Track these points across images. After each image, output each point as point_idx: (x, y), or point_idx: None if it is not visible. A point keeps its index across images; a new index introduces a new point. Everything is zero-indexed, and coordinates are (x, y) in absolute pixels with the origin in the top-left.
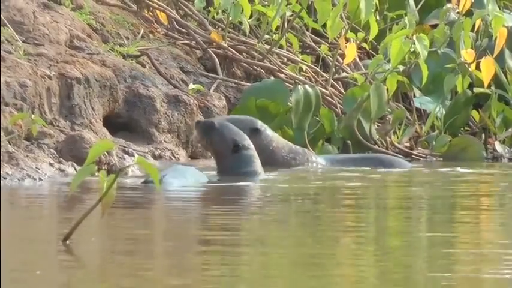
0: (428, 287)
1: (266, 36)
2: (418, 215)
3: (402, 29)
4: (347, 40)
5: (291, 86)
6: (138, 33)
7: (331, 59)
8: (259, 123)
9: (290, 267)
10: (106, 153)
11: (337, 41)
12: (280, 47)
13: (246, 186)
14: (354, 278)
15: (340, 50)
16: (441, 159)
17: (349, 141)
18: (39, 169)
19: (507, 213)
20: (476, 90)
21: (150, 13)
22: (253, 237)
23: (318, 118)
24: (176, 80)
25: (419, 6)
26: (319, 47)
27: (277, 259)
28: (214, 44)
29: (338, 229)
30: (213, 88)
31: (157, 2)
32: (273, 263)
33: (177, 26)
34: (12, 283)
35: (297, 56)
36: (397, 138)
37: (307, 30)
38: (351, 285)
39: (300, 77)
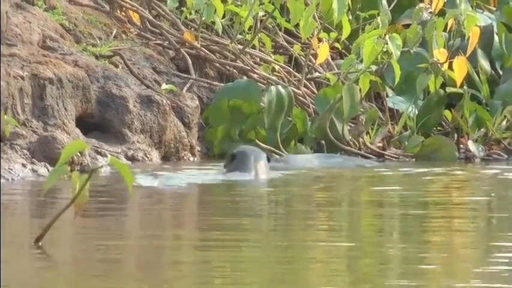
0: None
1: (239, 36)
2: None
3: (375, 28)
4: (320, 40)
5: (264, 86)
6: (111, 33)
7: (303, 59)
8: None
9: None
10: (79, 154)
11: (309, 41)
12: (253, 47)
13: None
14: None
15: (313, 50)
16: (413, 159)
17: (323, 141)
18: (11, 170)
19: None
20: (448, 89)
21: (123, 13)
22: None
23: (290, 118)
24: (149, 80)
25: (392, 6)
26: (292, 47)
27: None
28: (187, 44)
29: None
30: (185, 88)
31: (130, 2)
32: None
33: (149, 26)
34: None
35: (270, 56)
36: (370, 138)
37: (280, 30)
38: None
39: (273, 77)
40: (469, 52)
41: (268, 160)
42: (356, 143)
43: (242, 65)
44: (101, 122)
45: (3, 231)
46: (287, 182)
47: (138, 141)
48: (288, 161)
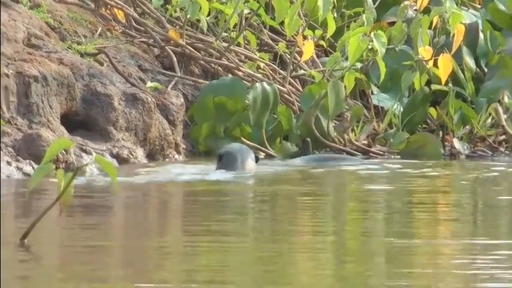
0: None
1: (224, 34)
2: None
3: (360, 26)
4: (305, 38)
5: (249, 83)
6: (96, 31)
7: (288, 56)
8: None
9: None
10: (64, 152)
11: (294, 38)
12: (238, 44)
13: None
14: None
15: (298, 47)
16: (399, 156)
17: (308, 139)
18: None
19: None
20: (433, 87)
21: (108, 11)
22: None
23: (275, 115)
24: (134, 78)
25: (377, 3)
26: (277, 45)
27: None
28: (172, 42)
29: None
30: (170, 86)
31: (115, 0)
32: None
33: (134, 24)
34: None
35: (255, 53)
36: (355, 135)
37: (265, 27)
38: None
39: (258, 75)
40: (454, 50)
41: (257, 159)
42: (341, 139)
43: (227, 62)
44: (86, 120)
45: None
46: (273, 180)
47: (123, 139)
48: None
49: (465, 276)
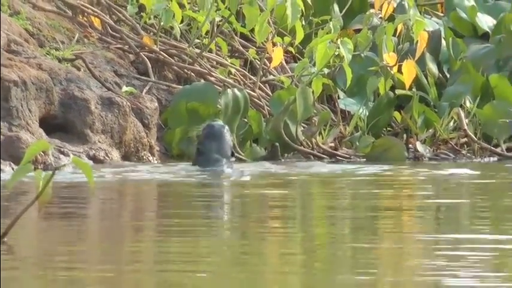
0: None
1: (196, 40)
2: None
3: (327, 33)
4: (274, 44)
5: (221, 88)
6: (73, 37)
7: (258, 62)
8: None
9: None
10: (42, 153)
11: (264, 45)
12: (210, 51)
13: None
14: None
15: (268, 53)
16: (364, 159)
17: (277, 144)
18: None
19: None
20: (398, 92)
21: (85, 18)
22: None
23: (246, 120)
24: (110, 83)
25: (343, 11)
26: (248, 51)
27: None
28: (147, 48)
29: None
30: (145, 90)
31: (92, 7)
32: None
33: (110, 31)
34: None
35: (226, 59)
36: (322, 139)
37: (236, 34)
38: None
39: (229, 80)
40: (417, 56)
41: (232, 154)
42: (309, 143)
43: (199, 68)
44: (63, 123)
45: None
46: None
47: (99, 141)
48: None
49: (428, 270)
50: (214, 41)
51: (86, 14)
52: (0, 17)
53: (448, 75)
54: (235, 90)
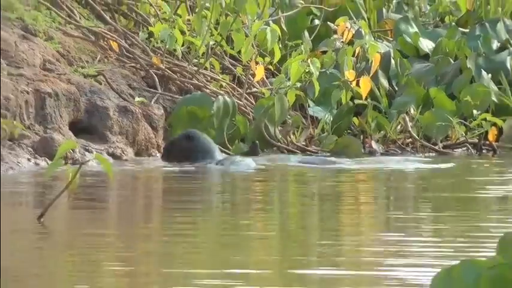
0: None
1: (194, 60)
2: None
3: (299, 54)
4: (257, 63)
5: (214, 98)
6: (96, 58)
7: (244, 77)
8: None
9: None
10: (71, 151)
11: (249, 63)
12: (206, 68)
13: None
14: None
15: (252, 70)
16: (329, 154)
17: (257, 141)
18: (19, 163)
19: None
20: (356, 101)
21: (105, 42)
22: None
23: (234, 122)
24: (125, 94)
25: (312, 37)
26: (236, 68)
27: None
28: (155, 66)
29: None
30: (153, 100)
31: (110, 34)
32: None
33: (125, 53)
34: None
35: (218, 75)
36: (296, 138)
37: (226, 55)
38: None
39: (221, 92)
40: (372, 73)
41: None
42: (285, 141)
43: (197, 82)
44: (88, 126)
45: (14, 210)
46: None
47: (116, 141)
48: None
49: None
50: (209, 61)
51: (106, 39)
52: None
53: (396, 88)
54: (226, 97)
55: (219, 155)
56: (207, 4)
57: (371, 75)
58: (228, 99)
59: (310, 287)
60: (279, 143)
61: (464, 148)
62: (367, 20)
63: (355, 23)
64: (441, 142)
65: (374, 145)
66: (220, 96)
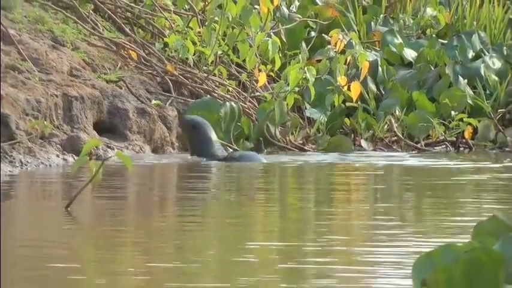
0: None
1: (204, 67)
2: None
3: (297, 62)
4: (260, 70)
5: (222, 102)
6: (117, 65)
7: (249, 83)
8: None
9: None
10: (95, 148)
11: (253, 71)
12: (214, 75)
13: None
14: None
15: (255, 77)
16: (324, 151)
17: (261, 139)
18: (49, 158)
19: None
20: (348, 104)
21: (125, 52)
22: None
23: (240, 124)
24: (143, 98)
25: (309, 47)
26: (241, 75)
27: None
28: (169, 72)
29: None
30: (168, 103)
31: (130, 44)
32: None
33: (143, 61)
34: (32, 233)
35: (226, 81)
36: (294, 137)
37: (233, 63)
38: None
39: (228, 96)
40: (361, 78)
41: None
42: (284, 140)
43: (207, 87)
44: (110, 126)
45: (44, 200)
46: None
47: (135, 140)
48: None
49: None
50: (217, 68)
51: (126, 48)
52: (0, 38)
53: (383, 92)
54: (232, 103)
55: (220, 151)
56: (216, 18)
57: (361, 80)
58: (234, 104)
59: None
60: (279, 142)
61: (444, 146)
62: (357, 32)
63: (346, 34)
64: (423, 140)
65: (363, 143)
66: (227, 103)
